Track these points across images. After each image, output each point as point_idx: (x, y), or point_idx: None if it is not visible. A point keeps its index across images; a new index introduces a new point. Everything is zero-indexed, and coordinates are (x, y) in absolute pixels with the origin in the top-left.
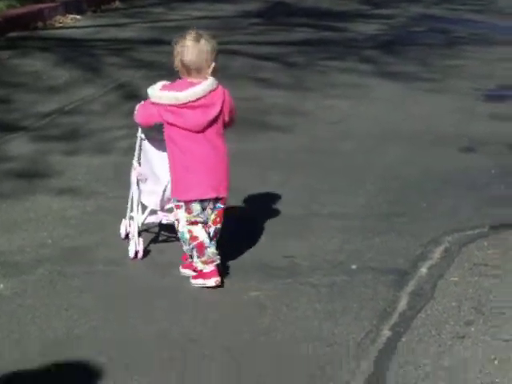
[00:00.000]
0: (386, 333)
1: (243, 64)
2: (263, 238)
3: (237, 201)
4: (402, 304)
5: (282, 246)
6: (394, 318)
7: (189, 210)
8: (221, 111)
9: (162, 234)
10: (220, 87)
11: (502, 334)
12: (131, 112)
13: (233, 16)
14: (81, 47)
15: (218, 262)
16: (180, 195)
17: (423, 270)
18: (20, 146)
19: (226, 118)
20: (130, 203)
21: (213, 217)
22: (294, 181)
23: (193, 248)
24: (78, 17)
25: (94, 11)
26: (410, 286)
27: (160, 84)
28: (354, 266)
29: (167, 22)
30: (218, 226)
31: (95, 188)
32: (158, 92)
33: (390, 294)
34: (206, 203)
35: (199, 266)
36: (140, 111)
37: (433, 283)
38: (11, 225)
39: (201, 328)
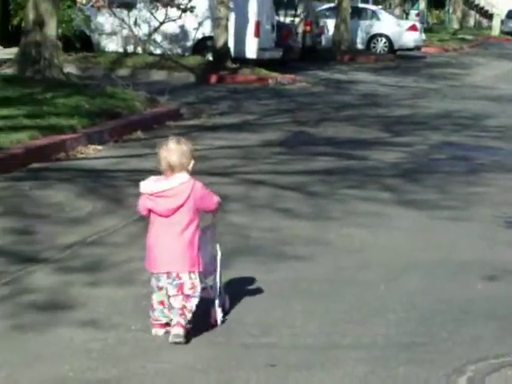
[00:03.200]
0: None
1: (265, 194)
2: (285, 370)
3: (258, 331)
4: None
5: (305, 377)
6: None
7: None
8: (186, 200)
9: None
10: (191, 180)
11: None
12: None
13: (255, 145)
14: (103, 178)
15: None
16: (146, 265)
17: None
18: (41, 278)
19: (202, 206)
20: None
21: (174, 291)
22: (315, 311)
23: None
24: (100, 147)
25: (116, 141)
26: None
27: (150, 178)
28: None
29: None
30: (182, 294)
31: (117, 320)
32: (144, 184)
33: None
34: (160, 277)
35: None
36: (138, 202)
37: None
38: (32, 358)
39: None
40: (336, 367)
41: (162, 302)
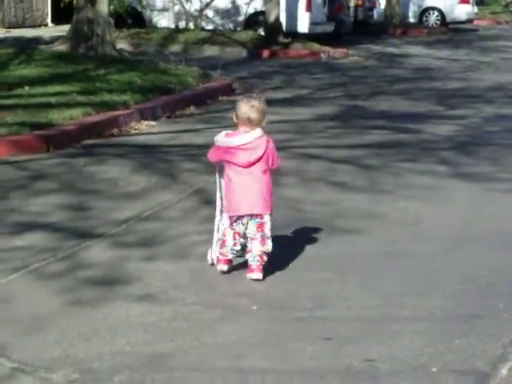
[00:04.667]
0: None
1: (319, 167)
2: (343, 341)
3: (313, 304)
4: None
5: (361, 350)
6: None
7: (231, 221)
8: (264, 153)
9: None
10: (265, 136)
11: None
12: (208, 217)
13: (309, 119)
14: (156, 153)
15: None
16: (228, 211)
17: (504, 371)
18: (97, 253)
19: (270, 160)
20: (215, 230)
21: (254, 228)
22: (370, 284)
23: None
24: (153, 123)
25: (169, 117)
26: None
27: (223, 133)
28: (434, 369)
29: None
30: (261, 233)
31: (173, 294)
32: (220, 138)
33: None
34: (244, 218)
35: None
36: (210, 153)
37: None
38: (90, 332)
39: None
40: (393, 340)
41: (234, 238)
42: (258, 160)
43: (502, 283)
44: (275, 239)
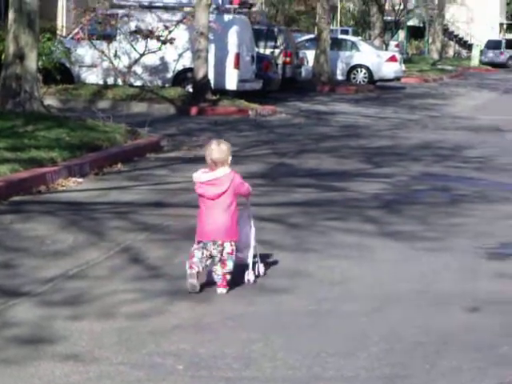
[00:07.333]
0: None
1: None
2: None
3: (239, 364)
4: None
5: None
6: None
7: (197, 244)
8: (229, 187)
9: None
10: (231, 172)
11: None
12: (136, 276)
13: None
14: (84, 211)
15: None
16: (197, 236)
17: None
18: (23, 312)
19: (239, 191)
20: (251, 249)
21: (217, 252)
22: (296, 343)
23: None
24: (80, 180)
25: (97, 174)
26: None
27: (201, 170)
28: None
29: (170, 184)
30: (222, 257)
31: (99, 354)
32: (195, 175)
33: None
34: (208, 243)
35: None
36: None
37: None
38: None
39: None
40: None
41: (202, 254)
42: (223, 193)
43: (428, 343)
44: (202, 298)
